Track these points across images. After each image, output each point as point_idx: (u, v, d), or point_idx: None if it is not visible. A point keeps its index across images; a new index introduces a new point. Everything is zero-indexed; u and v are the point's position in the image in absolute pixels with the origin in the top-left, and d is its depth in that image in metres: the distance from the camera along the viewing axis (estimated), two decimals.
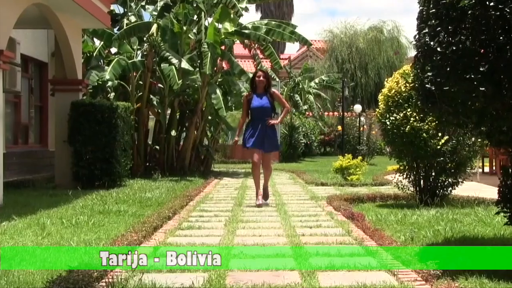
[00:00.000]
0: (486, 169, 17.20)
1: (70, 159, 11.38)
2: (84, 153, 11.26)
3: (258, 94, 9.06)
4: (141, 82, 15.55)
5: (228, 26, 15.05)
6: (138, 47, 15.78)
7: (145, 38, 15.15)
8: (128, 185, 11.82)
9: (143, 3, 16.34)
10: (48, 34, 14.36)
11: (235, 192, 11.09)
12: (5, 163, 9.35)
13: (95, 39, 15.55)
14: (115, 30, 15.45)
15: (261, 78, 9.11)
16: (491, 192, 9.02)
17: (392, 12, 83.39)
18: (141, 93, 15.49)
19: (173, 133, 15.56)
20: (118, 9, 16.06)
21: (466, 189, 9.36)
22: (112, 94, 14.85)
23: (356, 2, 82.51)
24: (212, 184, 13.01)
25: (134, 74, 15.29)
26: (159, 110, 15.76)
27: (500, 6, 3.99)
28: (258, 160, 8.95)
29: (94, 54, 15.10)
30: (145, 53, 15.38)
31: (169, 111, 16.25)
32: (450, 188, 8.84)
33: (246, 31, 15.63)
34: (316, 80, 31.08)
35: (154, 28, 14.82)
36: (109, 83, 14.23)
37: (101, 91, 14.41)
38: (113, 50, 16.21)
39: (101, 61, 15.56)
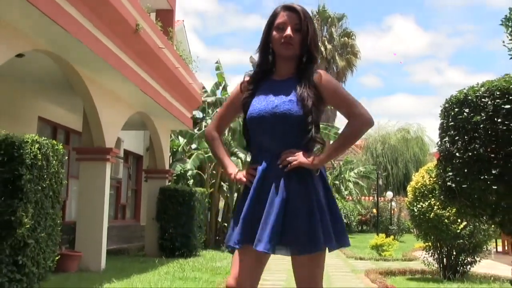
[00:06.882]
0: (500, 248, 16.40)
1: (157, 233, 11.48)
2: (168, 228, 11.34)
3: (274, 82, 2.47)
4: (214, 172, 15.78)
5: None
6: None
7: None
8: (201, 255, 11.79)
9: (217, 110, 16.85)
10: (144, 133, 14.90)
11: None
12: (108, 234, 9.54)
13: (180, 138, 16.04)
14: (196, 130, 15.90)
15: (288, 31, 2.38)
16: (505, 270, 8.62)
17: (416, 114, 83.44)
18: (214, 180, 15.69)
19: None
20: (198, 114, 16.58)
21: (483, 266, 8.97)
22: (191, 181, 15.11)
23: (386, 106, 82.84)
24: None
25: (209, 165, 15.58)
26: (228, 195, 15.91)
27: (506, 122, 4.02)
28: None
29: (179, 149, 15.56)
30: None
31: (235, 195, 16.36)
32: (469, 266, 8.52)
33: None
34: (355, 171, 30.87)
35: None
36: (189, 172, 14.55)
37: (182, 179, 14.70)
38: (193, 146, 16.65)
39: (184, 154, 15.98)
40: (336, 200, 2.51)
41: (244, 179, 2.43)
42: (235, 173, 2.49)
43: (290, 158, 2.32)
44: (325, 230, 2.27)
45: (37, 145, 5.02)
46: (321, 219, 2.27)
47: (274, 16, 2.45)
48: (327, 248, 2.31)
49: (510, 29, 4.89)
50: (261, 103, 2.41)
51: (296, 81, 2.41)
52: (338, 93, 2.41)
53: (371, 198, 33.94)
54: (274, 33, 2.42)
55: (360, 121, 2.37)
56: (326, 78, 2.41)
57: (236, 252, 2.38)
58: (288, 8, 2.43)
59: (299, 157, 2.32)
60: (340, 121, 34.81)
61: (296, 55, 2.43)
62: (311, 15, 2.53)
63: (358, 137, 2.42)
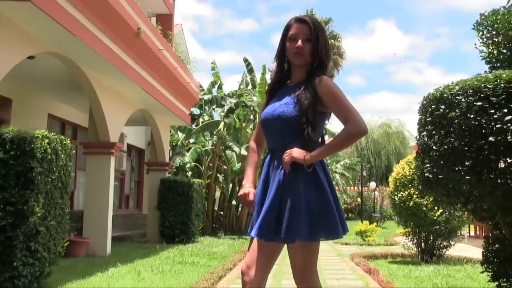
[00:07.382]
0: (472, 233, 16.59)
1: (158, 221, 11.50)
2: (168, 217, 11.36)
3: (286, 88, 2.51)
4: (211, 164, 15.81)
5: None
6: (209, 138, 16.15)
7: (214, 132, 15.53)
8: (199, 241, 11.81)
9: (213, 107, 16.81)
10: (146, 129, 14.88)
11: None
12: (113, 222, 9.55)
13: (179, 133, 16.03)
14: (193, 126, 15.91)
15: (299, 42, 2.41)
16: (477, 252, 8.71)
17: (397, 111, 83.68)
18: (210, 172, 15.72)
19: (234, 202, 15.64)
20: (196, 111, 16.58)
21: (457, 249, 9.07)
22: (189, 173, 15.14)
23: (369, 104, 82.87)
24: None
25: (206, 158, 15.59)
26: (224, 185, 15.94)
27: (478, 118, 4.06)
28: (248, 272, 2.39)
29: (178, 144, 15.55)
30: (214, 143, 15.74)
31: (231, 186, 16.41)
32: (445, 250, 8.61)
33: None
34: (341, 163, 30.95)
35: (221, 125, 15.21)
36: (188, 165, 14.55)
37: (181, 171, 14.72)
38: (191, 140, 16.67)
39: (183, 148, 15.98)
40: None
41: (243, 200, 2.48)
42: (244, 187, 2.50)
43: (284, 155, 2.30)
44: (294, 222, 2.22)
45: (47, 140, 5.02)
46: (295, 211, 2.22)
47: (287, 28, 2.47)
48: (320, 238, 2.30)
49: (481, 33, 4.94)
50: (268, 109, 2.45)
51: (305, 88, 2.37)
52: (336, 98, 2.33)
53: (355, 188, 34.06)
54: (288, 43, 2.44)
55: (355, 128, 2.28)
56: (326, 83, 2.35)
57: (254, 240, 2.41)
58: (300, 20, 2.45)
59: (291, 153, 2.28)
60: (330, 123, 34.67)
61: (308, 62, 2.43)
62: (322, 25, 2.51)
63: (351, 143, 2.37)
